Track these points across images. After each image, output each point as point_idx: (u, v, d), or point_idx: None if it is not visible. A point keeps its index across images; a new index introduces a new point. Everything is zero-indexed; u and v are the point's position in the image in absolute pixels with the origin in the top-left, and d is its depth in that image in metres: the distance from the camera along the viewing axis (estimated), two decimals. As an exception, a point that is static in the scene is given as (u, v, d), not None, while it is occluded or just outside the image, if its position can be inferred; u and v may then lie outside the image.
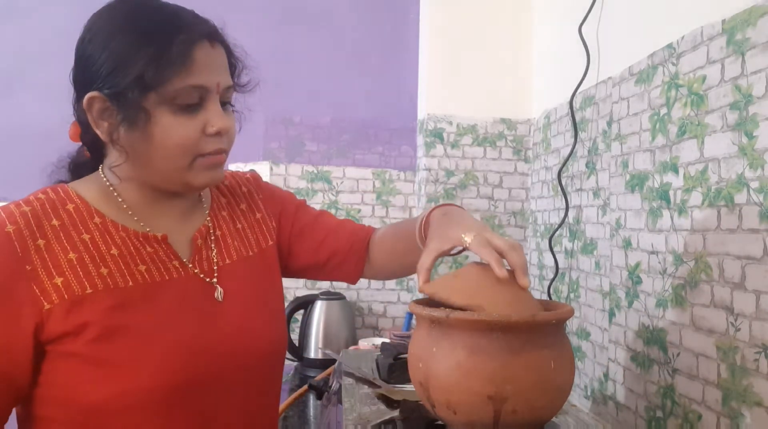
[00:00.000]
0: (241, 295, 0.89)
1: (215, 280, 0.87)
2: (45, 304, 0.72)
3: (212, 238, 0.90)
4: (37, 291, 0.72)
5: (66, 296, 0.73)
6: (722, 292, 0.93)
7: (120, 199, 0.82)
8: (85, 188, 0.83)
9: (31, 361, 0.74)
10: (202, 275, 0.86)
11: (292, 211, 1.05)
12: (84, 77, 0.78)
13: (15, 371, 0.73)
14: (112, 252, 0.78)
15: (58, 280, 0.73)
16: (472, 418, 0.89)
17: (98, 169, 0.85)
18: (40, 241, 0.74)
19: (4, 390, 0.74)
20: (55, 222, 0.76)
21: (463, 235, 0.83)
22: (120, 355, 0.74)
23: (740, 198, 0.90)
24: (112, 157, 0.82)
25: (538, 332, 0.89)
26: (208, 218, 0.91)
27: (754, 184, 0.87)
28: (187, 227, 0.88)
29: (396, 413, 1.12)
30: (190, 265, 0.85)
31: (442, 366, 0.89)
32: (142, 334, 0.76)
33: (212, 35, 0.80)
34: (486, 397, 0.86)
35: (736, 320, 0.90)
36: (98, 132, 0.79)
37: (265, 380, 0.91)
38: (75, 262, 0.75)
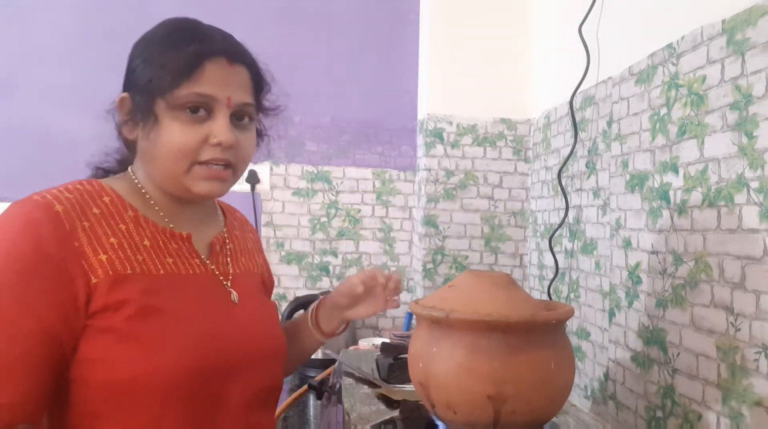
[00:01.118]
0: (251, 301, 0.95)
1: (229, 283, 0.93)
2: (92, 278, 0.77)
3: (227, 248, 0.97)
4: (85, 265, 0.77)
5: (110, 272, 0.78)
6: (722, 292, 0.93)
7: (148, 196, 0.88)
8: (117, 184, 0.88)
9: (81, 334, 0.77)
10: (221, 278, 0.92)
11: (271, 282, 1.11)
12: (126, 79, 0.87)
13: (70, 342, 0.77)
14: (144, 243, 0.84)
15: (103, 257, 0.79)
16: (472, 418, 0.89)
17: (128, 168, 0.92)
18: (85, 223, 0.79)
19: (59, 360, 0.77)
20: (95, 210, 0.82)
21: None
22: (152, 333, 0.79)
23: (740, 198, 0.90)
24: (137, 158, 0.89)
25: (538, 332, 0.89)
26: (225, 231, 0.98)
27: (754, 184, 0.87)
28: (205, 232, 0.94)
29: (396, 413, 1.12)
30: (213, 267, 0.92)
31: (442, 366, 0.89)
32: (172, 317, 0.81)
33: (233, 55, 0.85)
34: (486, 397, 0.86)
35: (736, 320, 0.90)
36: (123, 130, 0.87)
37: (271, 378, 0.95)
38: (116, 246, 0.81)
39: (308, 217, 2.14)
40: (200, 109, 0.82)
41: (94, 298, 0.77)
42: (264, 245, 2.10)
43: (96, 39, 2.03)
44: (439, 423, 1.00)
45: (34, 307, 0.74)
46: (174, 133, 0.81)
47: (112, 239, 0.81)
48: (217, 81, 0.82)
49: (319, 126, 2.15)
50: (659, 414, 1.09)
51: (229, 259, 0.95)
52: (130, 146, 0.90)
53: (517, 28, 1.90)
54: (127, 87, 0.86)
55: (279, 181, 2.13)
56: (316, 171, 2.14)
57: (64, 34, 2.06)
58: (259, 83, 0.90)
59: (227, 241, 0.97)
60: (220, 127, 0.82)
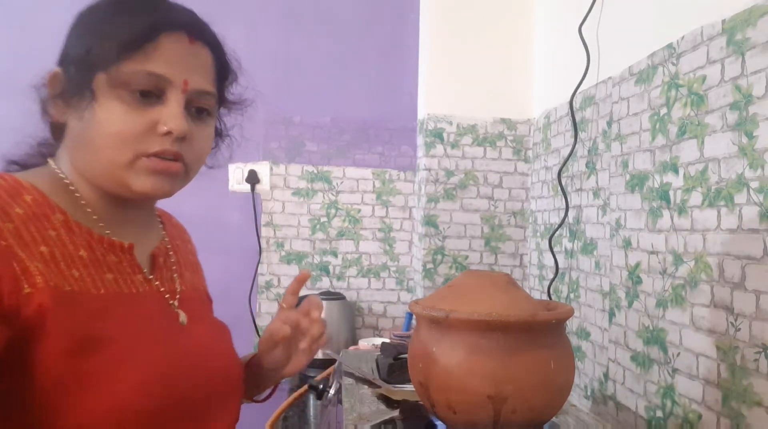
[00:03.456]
0: (202, 324, 0.82)
1: (176, 303, 0.78)
2: (25, 286, 0.60)
3: (171, 260, 0.82)
4: (17, 268, 0.60)
5: (45, 288, 0.61)
6: (722, 292, 0.93)
7: (78, 195, 0.71)
8: (37, 180, 0.70)
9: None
10: (167, 295, 0.77)
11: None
12: (62, 52, 0.73)
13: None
14: (80, 254, 0.67)
15: (35, 268, 0.62)
16: (472, 418, 0.89)
17: (47, 160, 0.75)
18: (9, 225, 0.62)
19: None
20: (18, 210, 0.64)
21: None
22: (98, 371, 0.63)
23: (740, 198, 0.90)
24: (62, 147, 0.73)
25: (538, 332, 0.89)
26: (166, 239, 0.83)
27: (754, 184, 0.87)
28: (146, 241, 0.78)
29: (396, 413, 1.12)
30: (157, 283, 0.76)
31: (442, 366, 0.89)
32: (120, 351, 0.65)
33: (195, 31, 0.71)
34: (486, 396, 0.86)
35: (736, 320, 0.90)
36: (51, 111, 0.72)
37: (229, 415, 0.81)
38: (47, 257, 0.63)
39: (308, 217, 2.14)
40: (150, 91, 0.68)
41: (21, 312, 0.59)
42: (264, 245, 2.11)
43: (96, 39, 2.03)
44: (439, 423, 1.00)
45: None
46: (114, 116, 0.66)
47: (43, 248, 0.63)
48: (173, 59, 0.68)
49: (319, 126, 2.15)
50: (659, 414, 1.09)
51: (175, 274, 0.80)
52: (57, 131, 0.73)
53: (517, 28, 1.90)
54: (61, 61, 0.71)
55: (279, 181, 2.13)
56: (316, 171, 2.14)
57: (64, 35, 2.06)
58: (223, 71, 0.76)
59: (170, 252, 0.82)
60: (171, 114, 0.68)
